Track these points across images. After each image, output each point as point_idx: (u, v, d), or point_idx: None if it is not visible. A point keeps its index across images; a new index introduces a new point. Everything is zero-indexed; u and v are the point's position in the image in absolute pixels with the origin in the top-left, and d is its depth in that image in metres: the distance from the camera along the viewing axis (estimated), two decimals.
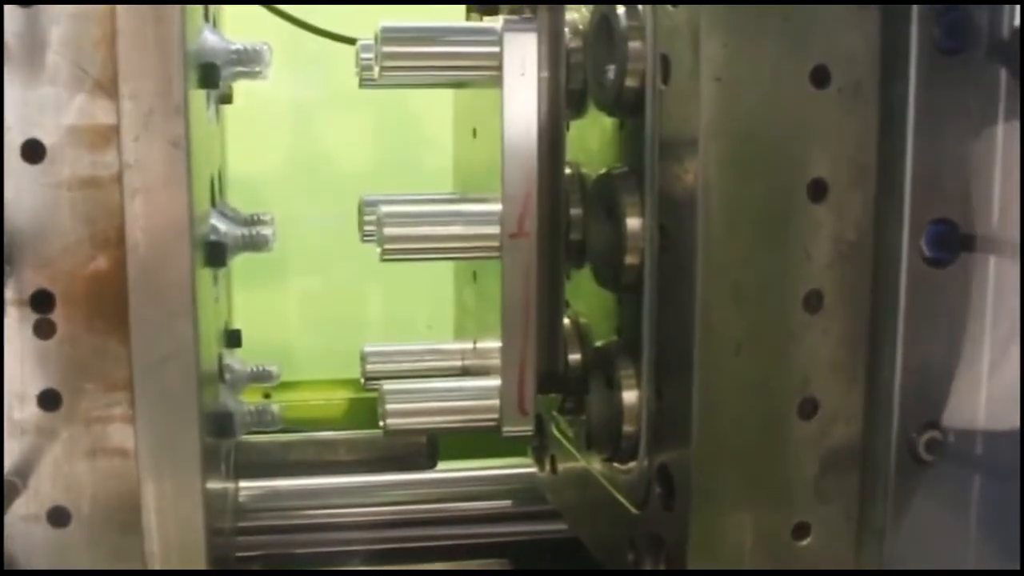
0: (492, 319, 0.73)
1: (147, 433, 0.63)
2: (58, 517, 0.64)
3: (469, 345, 0.86)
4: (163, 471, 0.64)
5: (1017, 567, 0.56)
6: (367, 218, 0.78)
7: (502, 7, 0.71)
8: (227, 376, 0.83)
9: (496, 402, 0.71)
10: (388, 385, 0.75)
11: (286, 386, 1.11)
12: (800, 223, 0.60)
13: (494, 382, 0.72)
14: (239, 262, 0.86)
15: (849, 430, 0.62)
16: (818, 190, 0.60)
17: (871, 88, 0.59)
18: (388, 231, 0.70)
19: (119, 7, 0.59)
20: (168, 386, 0.63)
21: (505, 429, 0.71)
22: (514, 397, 0.70)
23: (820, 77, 0.59)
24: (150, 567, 0.64)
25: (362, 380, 0.88)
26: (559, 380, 0.74)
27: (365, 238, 0.78)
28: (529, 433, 0.72)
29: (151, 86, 0.60)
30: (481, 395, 0.72)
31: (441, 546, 0.98)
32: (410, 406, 0.75)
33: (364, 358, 0.87)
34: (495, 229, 0.70)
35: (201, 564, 0.65)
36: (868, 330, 0.61)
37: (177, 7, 0.60)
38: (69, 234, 0.62)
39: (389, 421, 0.74)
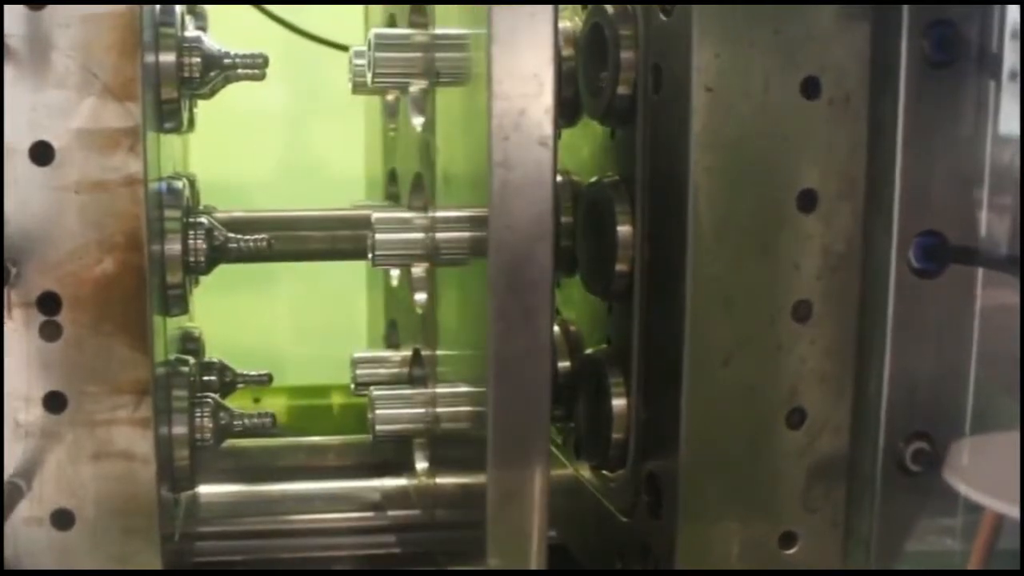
0: None
1: None
2: (62, 520, 0.63)
3: None
4: None
5: (1017, 567, 0.56)
6: None
7: None
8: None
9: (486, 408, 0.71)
10: (377, 391, 0.75)
11: (275, 391, 1.10)
12: (789, 233, 0.60)
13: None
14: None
15: (836, 440, 0.62)
16: (807, 201, 0.60)
17: (861, 100, 0.60)
18: (379, 236, 0.70)
19: None
20: None
21: None
22: None
23: (810, 88, 0.59)
24: None
25: (352, 386, 0.87)
26: None
27: None
28: None
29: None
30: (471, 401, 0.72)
31: (428, 552, 0.98)
32: (399, 412, 0.75)
33: (354, 364, 0.87)
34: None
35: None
36: (856, 341, 0.61)
37: None
38: (77, 237, 0.61)
39: (378, 427, 0.74)
